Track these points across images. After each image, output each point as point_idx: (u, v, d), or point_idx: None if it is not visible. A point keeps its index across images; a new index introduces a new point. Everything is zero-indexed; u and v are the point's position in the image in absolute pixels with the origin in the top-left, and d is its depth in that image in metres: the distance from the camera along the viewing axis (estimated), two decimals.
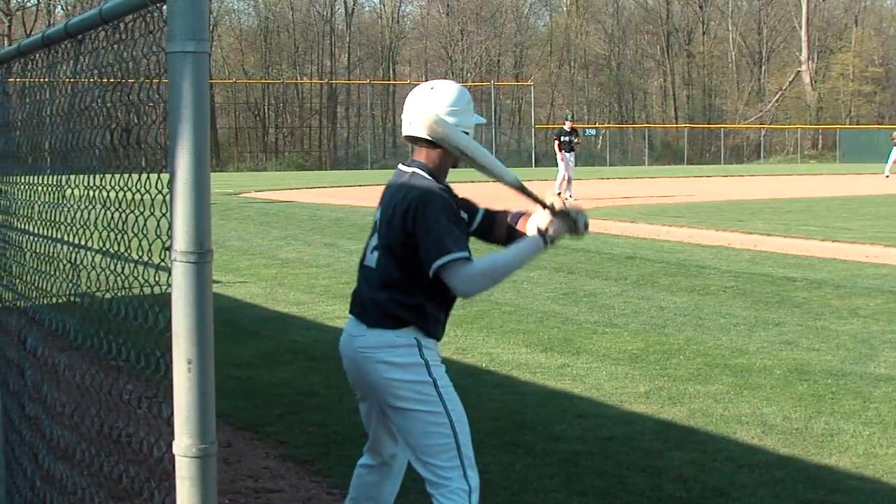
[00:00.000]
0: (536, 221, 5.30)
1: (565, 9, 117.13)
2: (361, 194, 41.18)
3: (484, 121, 5.58)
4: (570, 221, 5.26)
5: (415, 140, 5.37)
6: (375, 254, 5.36)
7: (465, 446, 5.27)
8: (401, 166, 5.46)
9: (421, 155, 5.38)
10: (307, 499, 7.37)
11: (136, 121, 3.87)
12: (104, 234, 4.23)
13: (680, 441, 8.56)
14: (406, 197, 5.21)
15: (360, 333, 5.31)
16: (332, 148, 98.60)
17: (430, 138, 5.22)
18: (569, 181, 37.70)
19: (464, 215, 5.49)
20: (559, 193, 36.69)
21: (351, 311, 5.48)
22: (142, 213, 3.83)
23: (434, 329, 5.33)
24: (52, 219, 5.10)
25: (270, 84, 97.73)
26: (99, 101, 4.29)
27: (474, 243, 5.33)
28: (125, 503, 4.61)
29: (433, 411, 5.22)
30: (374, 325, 5.27)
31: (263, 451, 8.45)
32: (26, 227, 5.63)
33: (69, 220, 4.82)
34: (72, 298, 4.80)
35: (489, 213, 5.67)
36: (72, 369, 4.99)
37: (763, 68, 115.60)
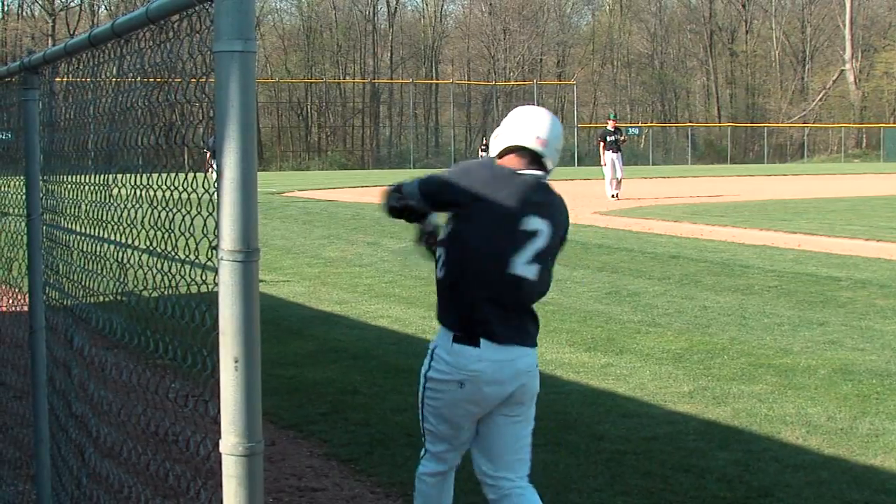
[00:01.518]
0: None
1: (608, 8, 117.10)
2: None
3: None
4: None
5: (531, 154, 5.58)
6: None
7: (430, 441, 5.59)
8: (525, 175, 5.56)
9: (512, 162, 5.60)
10: (351, 497, 7.39)
11: (181, 120, 3.88)
12: (151, 233, 4.25)
13: (724, 441, 8.53)
14: None
15: None
16: (374, 147, 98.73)
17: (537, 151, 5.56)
18: (618, 182, 37.49)
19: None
20: (614, 196, 36.62)
21: None
22: (188, 213, 3.84)
23: (448, 317, 5.44)
24: (99, 218, 5.12)
25: (313, 83, 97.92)
26: (145, 100, 4.31)
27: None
28: (171, 501, 4.64)
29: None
30: None
31: (307, 450, 8.47)
32: (73, 226, 5.65)
33: (116, 219, 4.84)
34: (118, 297, 4.82)
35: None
36: (118, 368, 5.01)
37: (806, 67, 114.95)
